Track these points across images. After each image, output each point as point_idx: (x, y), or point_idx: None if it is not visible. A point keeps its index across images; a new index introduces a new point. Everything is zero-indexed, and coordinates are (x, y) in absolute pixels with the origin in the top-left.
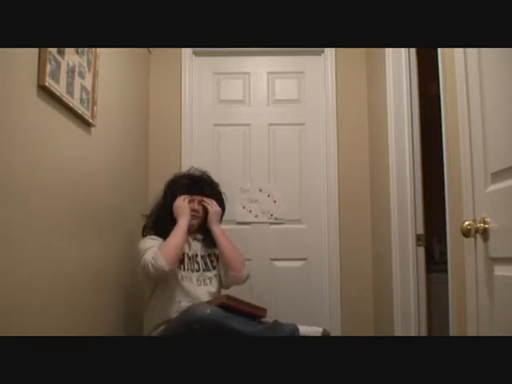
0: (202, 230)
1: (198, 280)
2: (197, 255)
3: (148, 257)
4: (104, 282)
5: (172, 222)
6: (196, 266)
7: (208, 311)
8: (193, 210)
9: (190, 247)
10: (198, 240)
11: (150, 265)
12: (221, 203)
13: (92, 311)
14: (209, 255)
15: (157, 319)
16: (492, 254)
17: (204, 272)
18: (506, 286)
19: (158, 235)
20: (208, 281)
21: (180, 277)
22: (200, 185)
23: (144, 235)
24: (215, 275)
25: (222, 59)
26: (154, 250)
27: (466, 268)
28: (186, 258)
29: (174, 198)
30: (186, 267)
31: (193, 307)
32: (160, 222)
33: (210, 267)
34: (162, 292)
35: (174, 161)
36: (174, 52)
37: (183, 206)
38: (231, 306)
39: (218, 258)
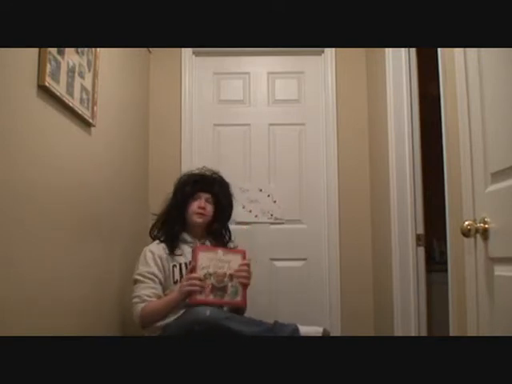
0: (210, 233)
1: None
2: None
3: (133, 304)
4: (104, 282)
5: (180, 222)
6: None
7: (208, 313)
8: (199, 208)
9: None
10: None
11: (132, 313)
12: (230, 204)
13: (92, 314)
14: None
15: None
16: (492, 253)
17: None
18: (506, 285)
19: (165, 236)
20: None
21: None
22: (210, 183)
23: (151, 236)
24: None
25: (222, 59)
26: (142, 296)
27: (466, 268)
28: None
29: (184, 196)
30: None
31: (193, 309)
32: (169, 223)
33: None
34: None
35: (174, 161)
36: (173, 52)
37: (185, 282)
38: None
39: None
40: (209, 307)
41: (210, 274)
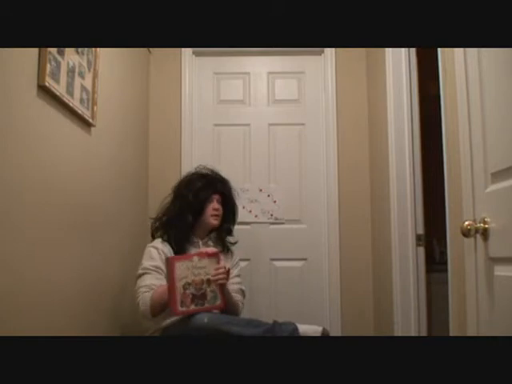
0: (213, 235)
1: None
2: None
3: (140, 294)
4: (104, 283)
5: (192, 225)
6: None
7: (206, 320)
8: (214, 209)
9: None
10: (208, 247)
11: (138, 304)
12: (233, 199)
13: (91, 314)
14: None
15: (154, 328)
16: (492, 253)
17: None
18: (506, 285)
19: (174, 238)
20: None
21: None
22: (218, 183)
23: (154, 237)
24: None
25: (222, 59)
26: (150, 285)
27: (466, 268)
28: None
29: (200, 201)
30: None
31: (191, 317)
32: (177, 226)
33: None
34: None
35: (174, 161)
36: (174, 52)
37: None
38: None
39: (227, 272)
40: (206, 314)
41: (189, 284)
